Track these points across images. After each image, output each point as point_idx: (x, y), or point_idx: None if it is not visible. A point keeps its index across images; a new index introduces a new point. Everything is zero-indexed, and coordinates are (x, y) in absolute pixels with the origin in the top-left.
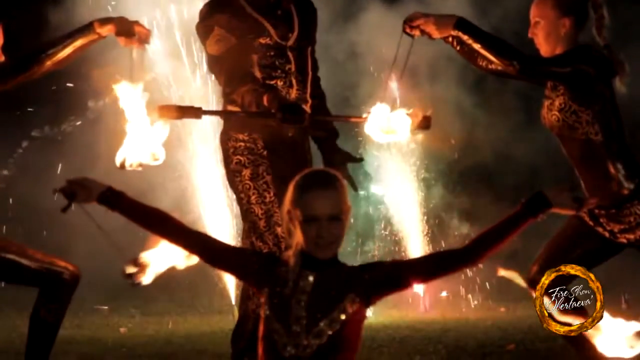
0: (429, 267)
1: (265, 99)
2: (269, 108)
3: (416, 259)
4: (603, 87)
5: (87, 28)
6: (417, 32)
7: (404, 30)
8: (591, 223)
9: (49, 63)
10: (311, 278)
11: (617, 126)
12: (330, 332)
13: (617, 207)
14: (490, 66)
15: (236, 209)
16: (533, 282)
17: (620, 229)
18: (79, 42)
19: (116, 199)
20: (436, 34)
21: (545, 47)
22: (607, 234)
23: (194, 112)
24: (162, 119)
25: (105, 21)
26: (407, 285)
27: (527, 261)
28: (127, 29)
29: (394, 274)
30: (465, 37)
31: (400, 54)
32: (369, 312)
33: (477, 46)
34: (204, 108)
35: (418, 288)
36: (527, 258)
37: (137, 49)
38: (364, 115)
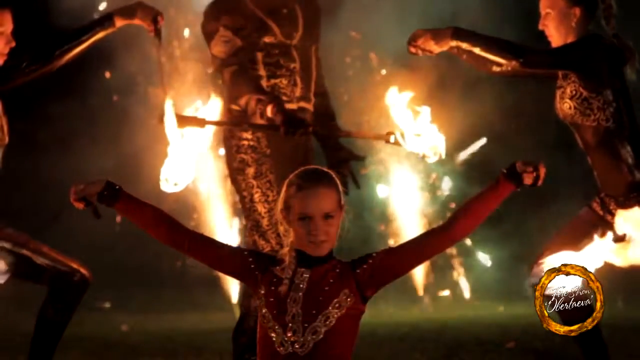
0: (418, 250)
1: (269, 109)
2: (273, 119)
3: (404, 245)
4: (613, 74)
5: (108, 22)
6: (419, 51)
7: (408, 51)
8: (601, 212)
9: (66, 57)
10: (306, 275)
11: (628, 113)
12: (325, 329)
13: (626, 195)
14: (498, 69)
15: (237, 206)
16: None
17: None
18: (99, 36)
19: (114, 197)
20: (436, 49)
21: (556, 38)
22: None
23: (197, 121)
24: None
25: (127, 14)
26: (400, 273)
27: None
28: (154, 13)
29: (385, 264)
30: (464, 45)
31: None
32: (368, 309)
33: (477, 50)
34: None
35: (418, 288)
36: None
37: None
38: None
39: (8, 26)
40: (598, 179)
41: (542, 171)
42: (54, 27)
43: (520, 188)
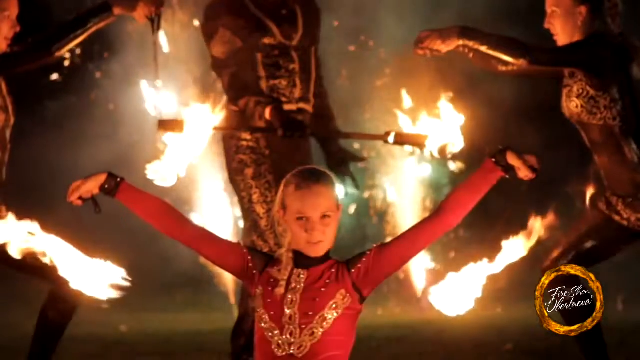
0: (410, 242)
1: (268, 112)
2: (271, 122)
3: (396, 239)
4: (620, 72)
5: (107, 14)
6: (427, 52)
7: (416, 54)
8: (607, 211)
9: (65, 50)
10: (303, 276)
11: (634, 111)
12: (322, 330)
13: (633, 195)
14: (504, 68)
15: (236, 207)
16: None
17: (637, 217)
18: (98, 27)
19: (115, 188)
20: (444, 48)
21: (562, 36)
22: (625, 222)
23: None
24: (164, 133)
25: (128, 5)
26: (395, 267)
27: None
28: (157, 6)
29: (379, 260)
30: (471, 43)
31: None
32: (366, 311)
33: (484, 48)
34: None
35: (418, 288)
36: None
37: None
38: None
39: (13, 11)
40: (604, 178)
41: (539, 167)
42: (58, 14)
43: (510, 176)
